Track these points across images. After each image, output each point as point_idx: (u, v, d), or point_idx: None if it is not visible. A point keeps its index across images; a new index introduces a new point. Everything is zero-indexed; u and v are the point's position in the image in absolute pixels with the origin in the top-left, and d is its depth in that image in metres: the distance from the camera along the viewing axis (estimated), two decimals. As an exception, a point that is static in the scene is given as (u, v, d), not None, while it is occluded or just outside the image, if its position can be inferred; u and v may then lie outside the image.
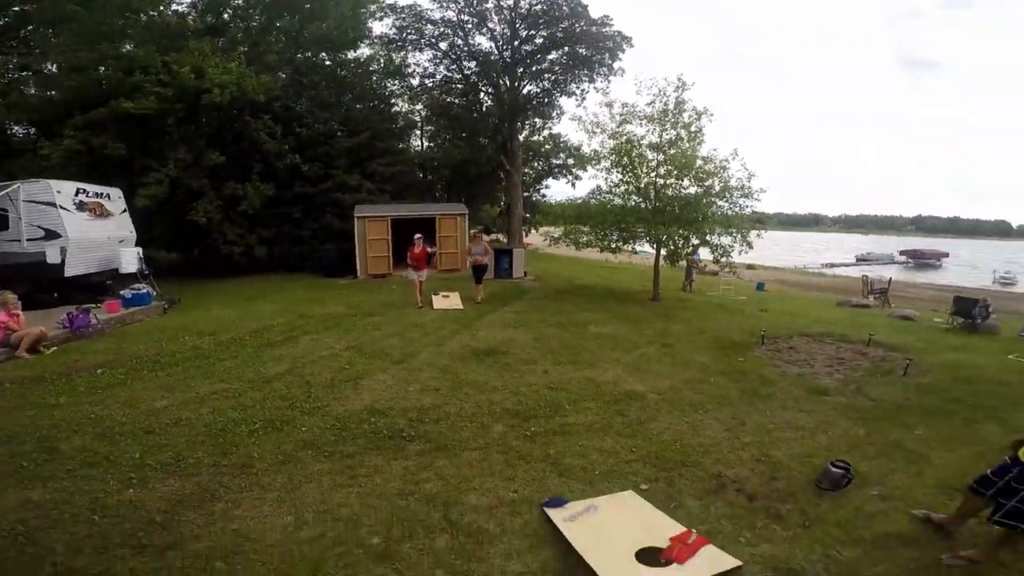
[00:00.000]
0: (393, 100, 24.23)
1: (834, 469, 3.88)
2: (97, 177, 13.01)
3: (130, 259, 11.65)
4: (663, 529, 3.08)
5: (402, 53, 21.81)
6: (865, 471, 4.11)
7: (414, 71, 22.15)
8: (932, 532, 3.37)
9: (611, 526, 3.11)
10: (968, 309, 11.57)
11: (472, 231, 15.47)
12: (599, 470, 4.06)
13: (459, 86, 22.29)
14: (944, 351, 8.39)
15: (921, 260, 52.98)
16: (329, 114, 19.46)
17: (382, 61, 22.61)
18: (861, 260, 51.06)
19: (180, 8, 18.85)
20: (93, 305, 9.56)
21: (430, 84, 22.47)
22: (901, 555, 3.15)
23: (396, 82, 23.35)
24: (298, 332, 8.33)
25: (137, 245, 12.47)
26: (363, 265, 15.74)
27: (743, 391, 6.09)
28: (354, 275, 15.76)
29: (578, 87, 21.28)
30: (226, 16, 19.83)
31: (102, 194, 11.80)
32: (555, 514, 3.28)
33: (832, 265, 44.97)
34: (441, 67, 21.84)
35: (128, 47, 16.31)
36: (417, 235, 11.06)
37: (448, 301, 10.96)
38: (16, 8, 15.63)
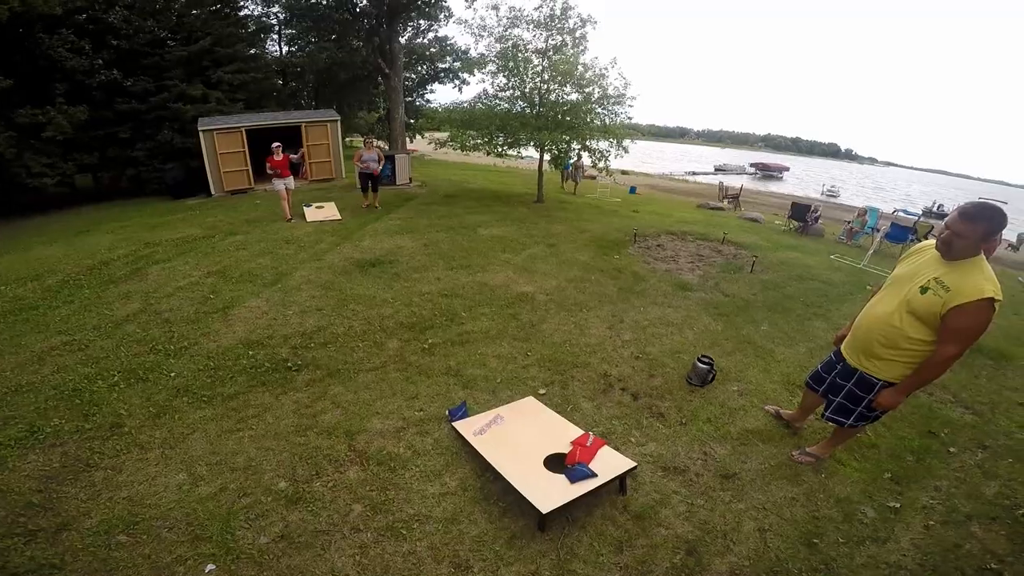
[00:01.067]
0: (240, 2, 20.33)
1: (701, 365, 4.17)
2: None
3: None
4: (564, 433, 3.22)
5: None
6: (725, 367, 4.53)
7: None
8: (782, 428, 3.67)
9: (517, 435, 3.20)
10: (802, 214, 13.78)
11: (363, 137, 14.36)
12: (500, 378, 4.12)
13: None
14: (782, 250, 9.76)
15: (767, 172, 60.38)
16: (154, 22, 16.17)
17: None
18: (718, 170, 57.36)
19: None
20: None
21: None
22: (762, 451, 3.40)
23: None
24: (145, 263, 7.03)
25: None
26: (217, 181, 13.69)
27: (620, 288, 6.50)
28: (207, 193, 13.74)
29: (466, -15, 19.08)
30: None
31: None
32: (464, 428, 3.31)
33: (694, 173, 50.18)
34: None
35: None
36: (275, 144, 9.72)
37: (323, 212, 10.04)
38: None
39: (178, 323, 5.01)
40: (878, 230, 12.23)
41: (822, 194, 41.77)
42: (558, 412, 3.60)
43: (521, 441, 3.14)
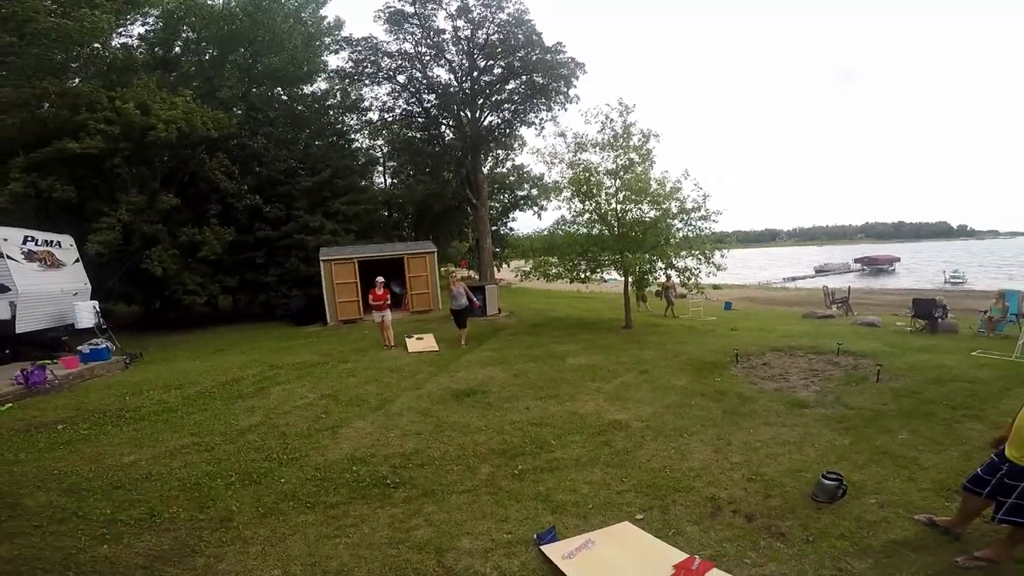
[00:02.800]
0: (352, 136, 23.91)
1: (827, 481, 3.87)
2: (46, 223, 12.39)
3: (86, 313, 11.03)
4: (665, 558, 3.01)
5: (359, 87, 21.61)
6: (858, 480, 4.13)
7: (372, 105, 22.01)
8: (939, 535, 3.36)
9: (611, 560, 3.02)
10: (927, 310, 12.12)
11: (446, 270, 15.36)
12: (591, 503, 3.98)
13: (420, 119, 22.24)
14: (911, 353, 8.70)
15: (875, 266, 55.52)
16: (287, 152, 19.00)
17: (339, 95, 22.29)
18: (820, 271, 53.43)
19: (128, 40, 18.18)
20: (49, 361, 9.12)
21: (390, 118, 22.29)
22: (915, 561, 3.13)
23: (354, 117, 23.06)
24: (269, 383, 8.01)
25: (93, 298, 11.87)
26: (332, 311, 15.39)
27: (725, 411, 6.12)
28: (324, 322, 15.39)
29: (537, 116, 21.66)
30: (177, 50, 19.25)
31: (52, 242, 11.22)
32: (552, 552, 3.17)
33: (793, 279, 46.79)
34: (400, 100, 21.74)
35: (74, 82, 15.64)
36: (378, 278, 10.91)
37: (423, 343, 10.72)
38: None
39: (292, 437, 5.55)
40: None
41: (945, 282, 37.11)
42: (658, 537, 3.37)
43: (616, 566, 2.96)
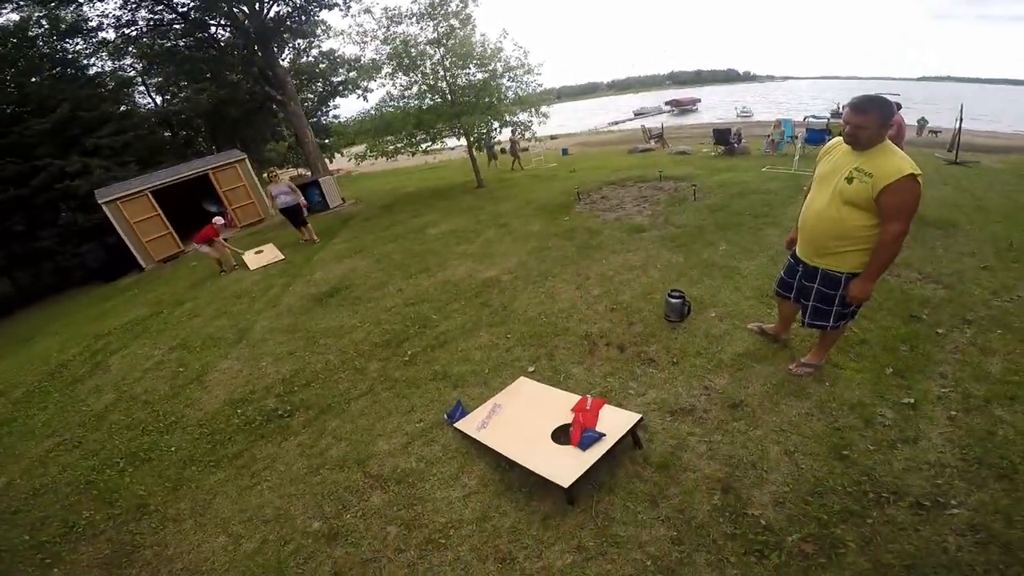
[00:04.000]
0: (85, 62, 18.80)
1: (673, 300, 4.18)
2: None
3: None
4: (564, 403, 3.24)
5: (71, 8, 16.36)
6: (697, 295, 4.61)
7: (101, 24, 16.91)
8: (771, 344, 3.66)
9: (519, 418, 3.23)
10: (725, 137, 14.70)
11: (265, 173, 13.78)
12: (487, 368, 4.14)
13: (177, 27, 17.69)
14: (718, 173, 10.26)
15: (682, 107, 63.39)
16: None
17: (44, 23, 16.99)
18: (638, 115, 59.02)
19: None
20: None
21: (133, 33, 17.46)
22: (760, 373, 3.40)
23: (80, 42, 17.83)
24: (103, 355, 6.75)
25: None
26: (143, 253, 13.04)
27: (578, 247, 6.63)
28: (139, 268, 13.08)
29: (337, -4, 18.23)
30: None
31: None
32: (466, 427, 3.33)
33: (616, 122, 52.31)
34: (143, 11, 16.86)
35: None
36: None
37: (264, 255, 9.68)
38: None
39: (158, 402, 4.92)
40: (796, 137, 12.95)
41: (737, 116, 43.27)
42: (551, 385, 3.65)
43: (524, 423, 3.17)
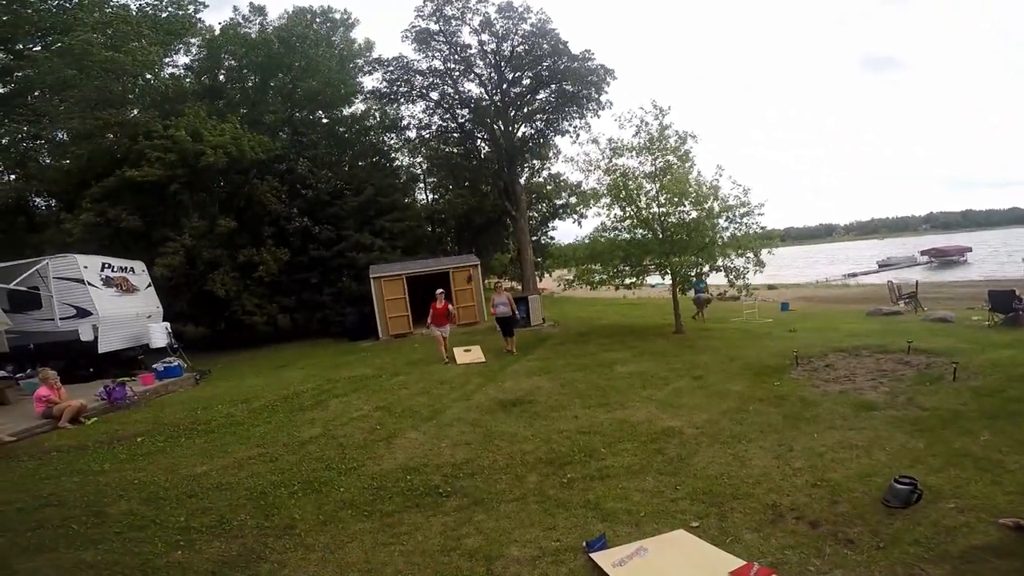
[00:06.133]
0: (393, 155, 24.71)
1: (899, 486, 3.68)
2: (119, 250, 13.50)
3: (159, 334, 11.95)
4: (722, 565, 2.92)
5: (395, 106, 22.26)
6: (934, 484, 3.89)
7: (409, 123, 22.57)
8: None
9: (665, 568, 2.96)
10: (1006, 303, 11.14)
11: (492, 282, 15.53)
12: (644, 512, 3.90)
13: (455, 135, 22.74)
14: (991, 349, 7.98)
15: (944, 258, 50.88)
16: (332, 173, 19.85)
17: (377, 115, 23.17)
18: (883, 266, 49.07)
19: (175, 71, 19.69)
20: (128, 378, 9.89)
21: (427, 136, 22.90)
22: (997, 567, 2.95)
23: (393, 136, 23.85)
24: (327, 396, 8.40)
25: (164, 320, 12.80)
26: (384, 326, 15.87)
27: (785, 416, 5.85)
28: (376, 337, 15.87)
29: (570, 124, 21.63)
30: (221, 77, 20.65)
31: (127, 268, 12.25)
32: (602, 560, 3.13)
33: (854, 275, 43.37)
34: (435, 117, 22.23)
35: (132, 113, 17.02)
36: (439, 290, 11.16)
37: (471, 355, 10.85)
38: (19, 73, 16.18)
39: (350, 447, 5.80)
40: None
41: None
42: (714, 545, 3.28)
43: (669, 574, 2.90)
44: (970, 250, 53.58)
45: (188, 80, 19.97)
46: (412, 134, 23.04)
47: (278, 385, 9.65)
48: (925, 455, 4.46)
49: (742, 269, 11.51)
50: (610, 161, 12.84)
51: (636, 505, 4.00)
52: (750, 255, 11.44)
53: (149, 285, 13.02)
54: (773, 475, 4.33)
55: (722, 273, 11.77)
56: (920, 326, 11.58)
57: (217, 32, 19.96)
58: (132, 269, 12.44)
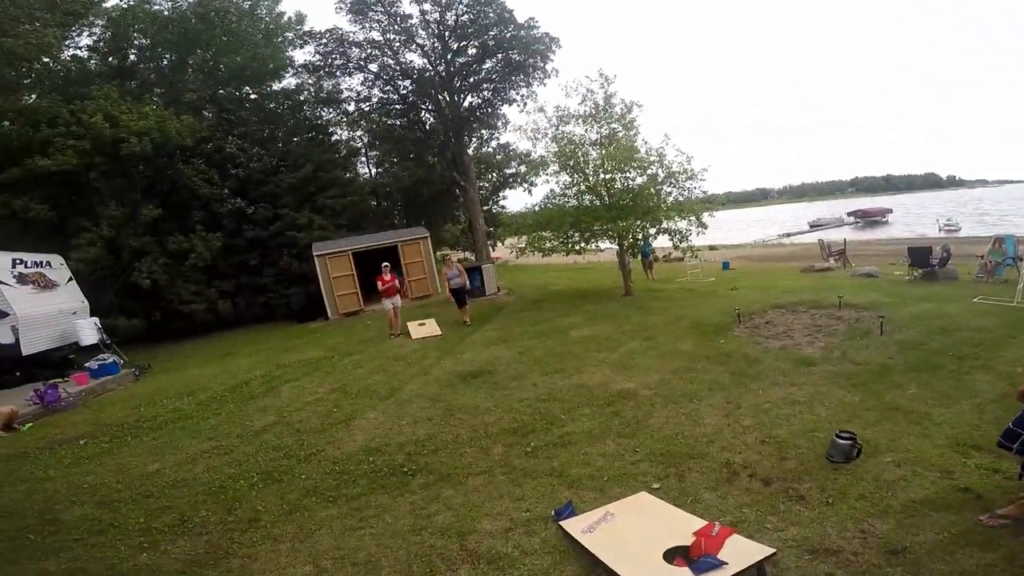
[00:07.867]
0: (331, 129, 23.64)
1: (841, 441, 3.85)
2: (32, 244, 12.24)
3: (89, 331, 11.07)
4: (685, 525, 3.02)
5: (331, 80, 21.23)
6: (872, 438, 4.11)
7: (348, 97, 21.58)
8: (959, 493, 3.32)
9: (631, 531, 3.05)
10: (924, 258, 12.03)
11: (442, 254, 15.46)
12: (607, 476, 4.02)
13: (398, 107, 21.89)
14: (912, 303, 8.66)
15: (869, 218, 54.68)
16: (264, 150, 18.91)
17: (311, 90, 22.04)
18: (814, 226, 52.36)
19: (79, 53, 17.77)
20: (60, 379, 9.27)
21: (367, 108, 21.97)
22: (937, 521, 3.08)
23: (330, 110, 22.80)
24: (278, 382, 8.08)
25: (92, 315, 11.85)
26: (332, 305, 15.36)
27: (732, 373, 6.14)
28: (325, 317, 15.38)
29: (517, 93, 21.24)
30: (133, 57, 18.88)
31: (42, 263, 11.21)
32: (571, 527, 3.21)
33: (788, 235, 46.13)
34: (376, 90, 21.35)
35: (30, 98, 15.41)
36: (385, 263, 10.88)
37: (426, 328, 10.74)
38: None
39: (307, 433, 5.64)
40: (1022, 259, 10.47)
41: (940, 231, 36.08)
42: (676, 505, 3.41)
43: (635, 537, 2.99)
44: (891, 211, 57.85)
45: (94, 62, 17.98)
46: (351, 107, 21.99)
47: (225, 374, 9.19)
48: (860, 409, 4.74)
49: (685, 231, 11.93)
50: (557, 129, 13.03)
51: (599, 470, 4.11)
52: (693, 218, 11.88)
53: (71, 279, 11.95)
54: (725, 433, 4.53)
55: (667, 236, 12.16)
56: (849, 281, 12.46)
57: (125, 9, 17.88)
58: (48, 263, 11.36)
